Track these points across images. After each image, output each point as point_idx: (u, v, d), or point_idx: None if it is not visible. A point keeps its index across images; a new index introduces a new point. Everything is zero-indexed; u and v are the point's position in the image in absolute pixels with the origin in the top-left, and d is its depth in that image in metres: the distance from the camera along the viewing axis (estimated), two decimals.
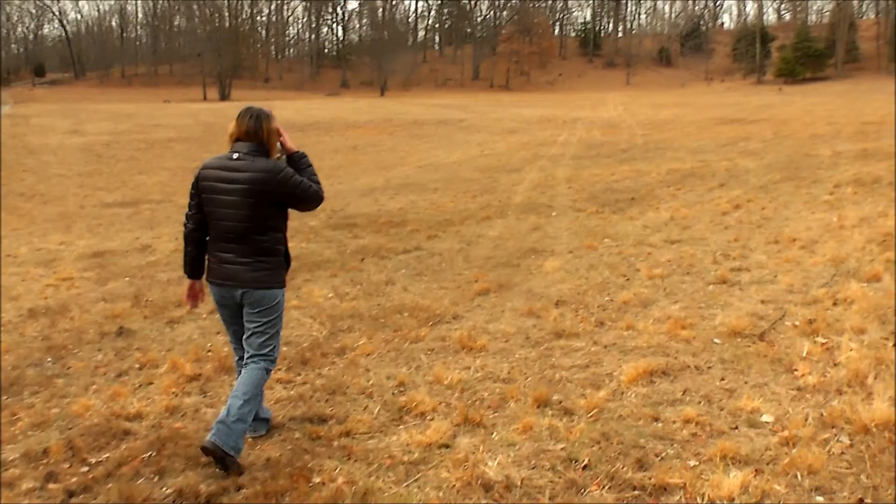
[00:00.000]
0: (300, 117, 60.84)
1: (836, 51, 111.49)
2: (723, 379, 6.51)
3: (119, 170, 35.54)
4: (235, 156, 5.18)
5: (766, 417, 5.70)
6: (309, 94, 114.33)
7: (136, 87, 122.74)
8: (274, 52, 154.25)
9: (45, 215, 23.45)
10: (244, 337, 5.49)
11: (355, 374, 7.05)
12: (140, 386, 7.08)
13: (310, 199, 5.29)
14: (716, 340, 7.43)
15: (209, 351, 7.94)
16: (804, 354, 6.93)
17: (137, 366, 7.61)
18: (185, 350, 8.00)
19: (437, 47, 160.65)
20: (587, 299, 9.31)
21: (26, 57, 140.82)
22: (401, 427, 5.93)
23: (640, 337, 7.70)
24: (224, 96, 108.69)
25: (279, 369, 7.19)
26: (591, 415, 5.90)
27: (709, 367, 6.78)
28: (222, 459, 5.10)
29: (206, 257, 5.52)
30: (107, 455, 5.63)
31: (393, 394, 6.58)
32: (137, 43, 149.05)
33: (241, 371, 5.51)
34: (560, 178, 24.78)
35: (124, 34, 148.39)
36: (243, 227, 5.20)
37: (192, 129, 53.41)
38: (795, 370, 6.58)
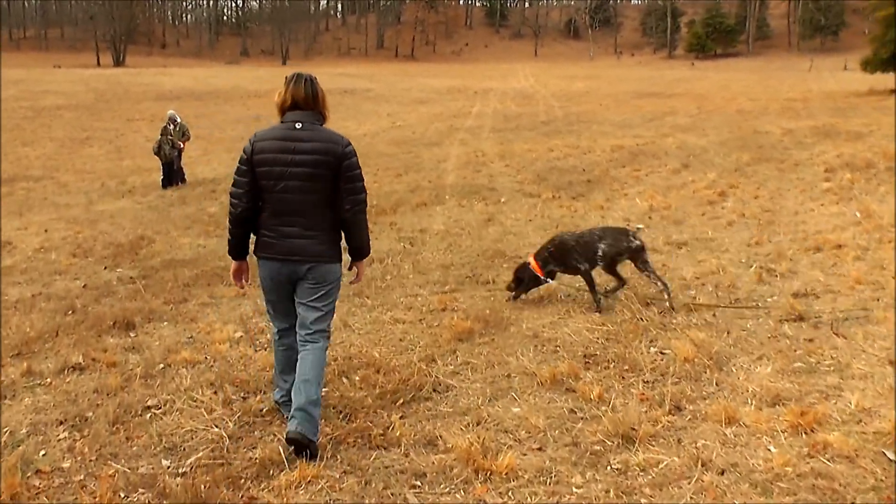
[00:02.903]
0: (199, 85, 57.56)
1: (746, 27, 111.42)
2: None
3: (1, 141, 31.90)
4: (299, 125, 4.82)
5: None
6: (208, 61, 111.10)
7: (25, 52, 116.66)
8: (171, 18, 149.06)
9: None
10: (301, 317, 5.03)
11: None
12: None
13: (358, 191, 4.89)
14: (891, 457, 4.44)
15: (29, 477, 4.55)
16: None
17: None
18: None
19: (339, 15, 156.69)
20: (629, 352, 6.18)
21: None
22: None
23: (757, 444, 4.59)
24: (118, 62, 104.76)
25: None
26: None
27: None
28: (307, 447, 4.67)
29: (261, 231, 5.02)
30: None
31: None
32: (26, 4, 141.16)
33: (282, 348, 5.20)
34: (491, 154, 22.18)
35: None
36: (310, 200, 4.84)
37: (84, 95, 50.07)
38: None
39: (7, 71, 67.63)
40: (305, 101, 4.84)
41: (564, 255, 7.88)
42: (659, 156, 19.86)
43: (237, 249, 5.12)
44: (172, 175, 20.12)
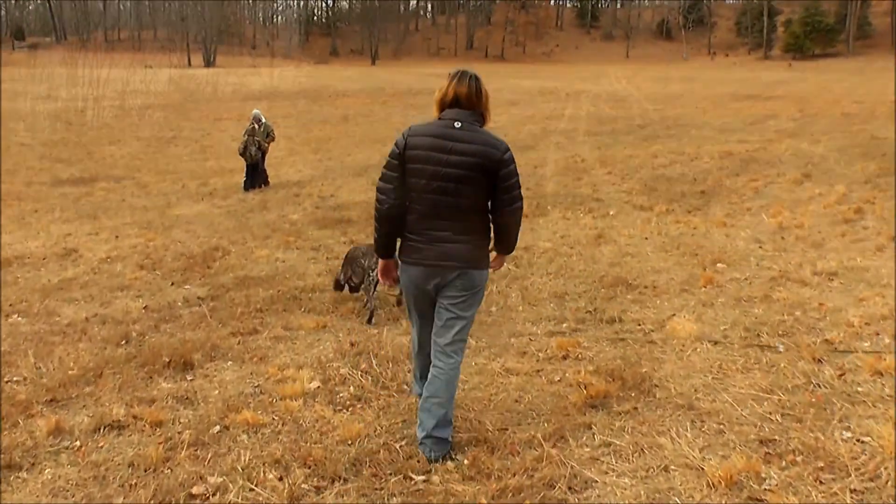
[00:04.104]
0: (287, 85, 57.29)
1: (847, 26, 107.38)
2: None
3: (88, 139, 32.11)
4: (458, 125, 4.51)
5: None
6: (297, 61, 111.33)
7: (119, 52, 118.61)
8: (261, 19, 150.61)
9: None
10: (439, 326, 4.79)
11: None
12: None
13: (514, 200, 4.57)
14: None
15: None
16: None
17: None
18: None
19: (429, 16, 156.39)
20: (818, 439, 4.65)
21: (6, 20, 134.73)
22: None
23: None
24: (209, 62, 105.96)
25: None
26: None
27: None
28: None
29: (406, 235, 4.71)
30: None
31: None
32: (120, 7, 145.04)
33: (424, 363, 4.97)
34: (590, 160, 20.79)
35: None
36: (462, 204, 4.55)
37: (172, 95, 50.40)
38: None
39: (100, 71, 68.44)
40: (468, 98, 4.55)
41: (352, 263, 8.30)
42: (774, 164, 18.23)
43: (385, 248, 4.89)
44: (255, 177, 19.20)
